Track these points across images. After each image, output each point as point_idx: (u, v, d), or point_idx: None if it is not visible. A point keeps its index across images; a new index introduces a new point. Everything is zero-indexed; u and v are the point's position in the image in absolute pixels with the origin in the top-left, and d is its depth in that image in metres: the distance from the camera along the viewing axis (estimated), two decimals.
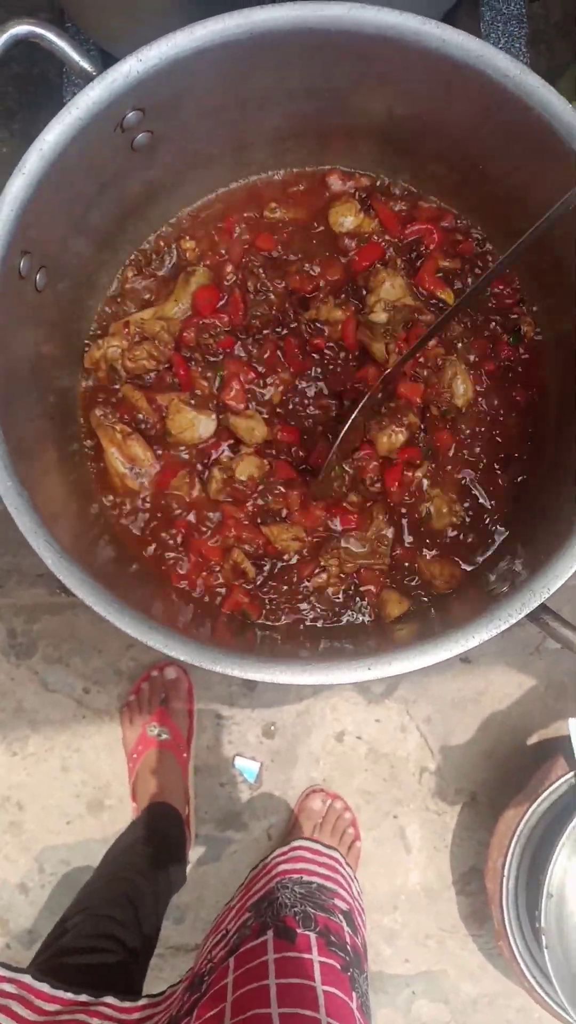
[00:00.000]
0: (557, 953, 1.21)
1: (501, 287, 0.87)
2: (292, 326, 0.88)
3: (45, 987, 0.82)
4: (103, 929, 1.03)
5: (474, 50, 0.67)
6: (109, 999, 0.83)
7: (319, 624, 0.83)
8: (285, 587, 0.84)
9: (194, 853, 1.46)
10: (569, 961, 1.22)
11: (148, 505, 0.86)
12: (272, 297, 0.87)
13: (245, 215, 0.89)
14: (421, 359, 0.85)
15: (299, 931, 0.80)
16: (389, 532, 0.84)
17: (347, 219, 0.88)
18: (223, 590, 0.84)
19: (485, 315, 0.88)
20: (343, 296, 0.88)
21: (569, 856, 1.25)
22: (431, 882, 1.48)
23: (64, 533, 0.71)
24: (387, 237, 0.89)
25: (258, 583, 0.83)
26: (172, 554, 0.85)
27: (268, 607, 0.83)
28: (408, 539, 0.84)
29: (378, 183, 0.89)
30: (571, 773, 1.27)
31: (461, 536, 0.84)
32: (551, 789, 1.27)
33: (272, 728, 1.47)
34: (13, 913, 1.50)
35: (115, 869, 1.23)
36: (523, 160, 0.74)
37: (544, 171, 0.73)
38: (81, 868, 1.49)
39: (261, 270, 0.88)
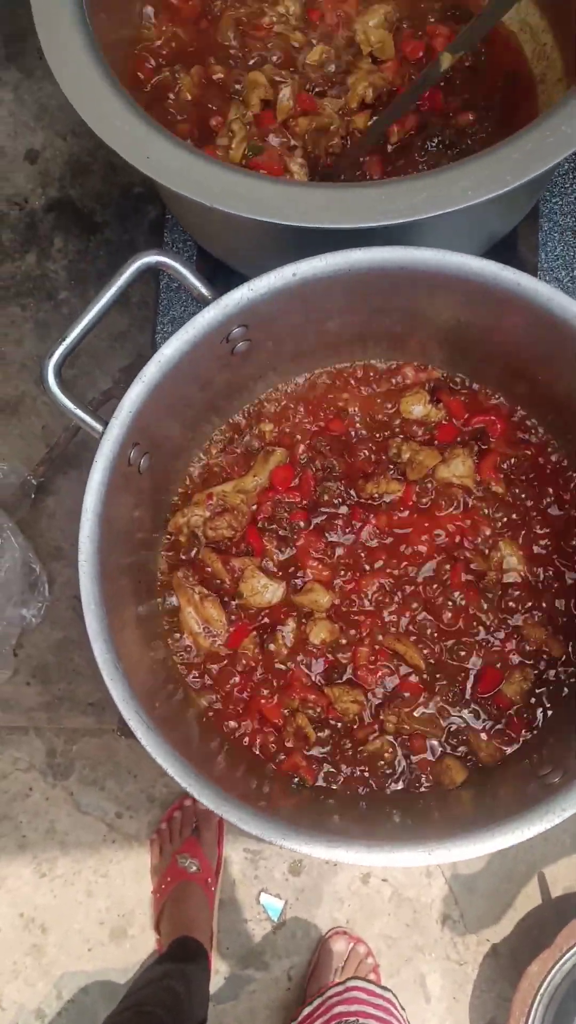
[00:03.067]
0: None
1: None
2: (354, 501, 0.96)
3: None
4: None
5: (545, 294, 0.76)
6: None
7: (374, 789, 0.88)
8: (341, 751, 0.89)
9: (213, 990, 1.46)
10: None
11: (217, 664, 0.92)
12: (337, 474, 0.96)
13: (320, 401, 0.99)
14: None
15: None
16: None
17: (417, 407, 0.96)
18: (282, 750, 0.89)
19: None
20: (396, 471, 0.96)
21: None
22: None
23: (139, 688, 0.77)
24: (454, 422, 0.98)
25: (316, 746, 0.89)
26: (236, 712, 0.91)
27: (324, 771, 0.88)
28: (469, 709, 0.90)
29: (445, 377, 0.98)
30: None
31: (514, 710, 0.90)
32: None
33: (299, 865, 1.49)
34: None
35: (140, 1001, 1.24)
36: None
37: None
38: (99, 997, 1.49)
39: (328, 449, 0.97)
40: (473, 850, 0.69)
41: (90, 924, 1.52)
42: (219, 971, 1.48)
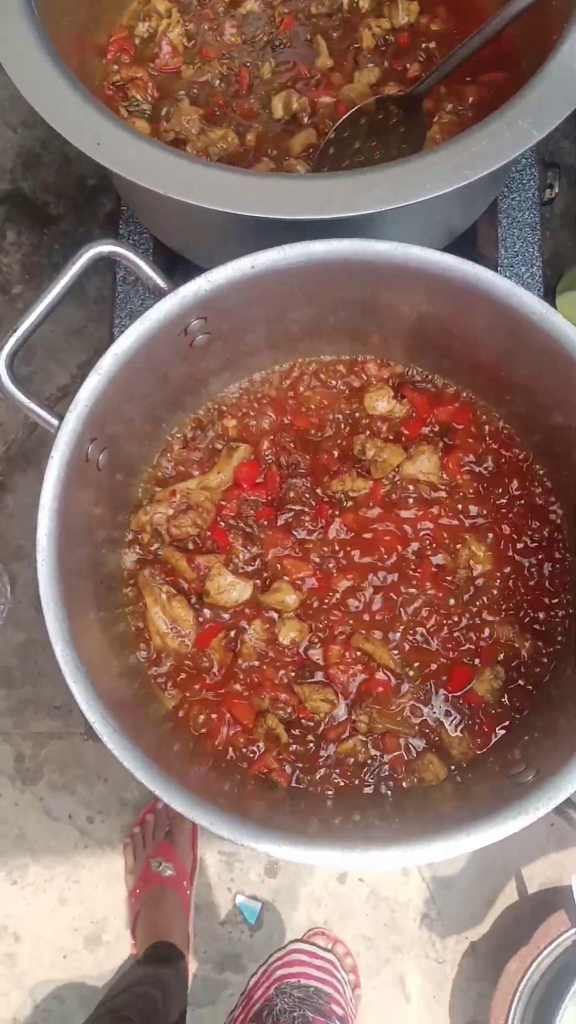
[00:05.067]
0: None
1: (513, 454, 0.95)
2: (321, 499, 0.94)
3: None
4: None
5: (504, 288, 0.75)
6: None
7: (347, 789, 0.86)
8: (312, 752, 0.87)
9: (191, 994, 1.44)
10: None
11: (185, 664, 0.90)
12: (303, 471, 0.95)
13: (284, 397, 0.97)
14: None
15: None
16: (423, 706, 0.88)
17: (381, 403, 0.95)
18: (253, 750, 0.87)
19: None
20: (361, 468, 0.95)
21: (574, 1015, 1.24)
22: None
23: (104, 689, 0.75)
24: (419, 417, 0.96)
25: (288, 748, 0.87)
26: (205, 714, 0.89)
27: (296, 773, 0.86)
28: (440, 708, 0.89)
29: (408, 373, 0.97)
30: (573, 929, 1.27)
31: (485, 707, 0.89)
32: (554, 944, 1.28)
33: (275, 867, 1.47)
34: None
35: (116, 1007, 1.22)
36: (541, 375, 0.82)
37: (559, 386, 0.81)
38: (75, 1005, 1.46)
39: (293, 446, 0.95)
40: (447, 849, 0.67)
41: (63, 931, 1.49)
42: (196, 975, 1.46)
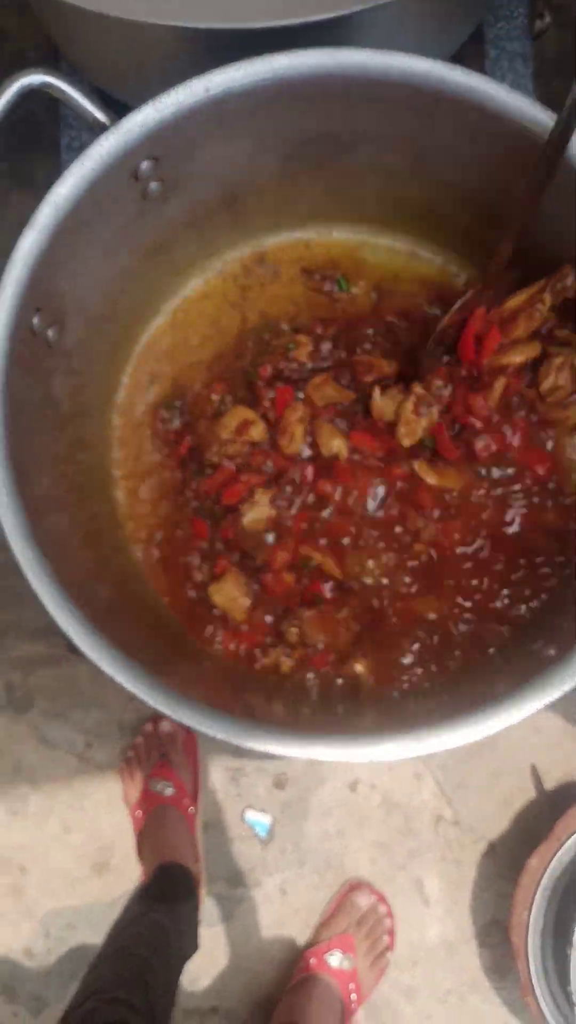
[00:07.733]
0: None
1: None
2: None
3: None
4: (116, 1016, 0.98)
5: (513, 103, 0.65)
6: None
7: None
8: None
9: (205, 913, 1.41)
10: None
11: None
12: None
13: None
14: None
15: None
16: None
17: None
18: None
19: None
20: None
21: None
22: (450, 935, 1.43)
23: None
24: None
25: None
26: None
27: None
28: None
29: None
30: None
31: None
32: (575, 837, 1.24)
33: (283, 778, 1.42)
34: (19, 980, 1.43)
35: (124, 943, 1.17)
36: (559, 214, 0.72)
37: None
38: (88, 932, 1.43)
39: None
40: (466, 735, 0.60)
41: (70, 859, 1.45)
42: (210, 893, 1.42)
